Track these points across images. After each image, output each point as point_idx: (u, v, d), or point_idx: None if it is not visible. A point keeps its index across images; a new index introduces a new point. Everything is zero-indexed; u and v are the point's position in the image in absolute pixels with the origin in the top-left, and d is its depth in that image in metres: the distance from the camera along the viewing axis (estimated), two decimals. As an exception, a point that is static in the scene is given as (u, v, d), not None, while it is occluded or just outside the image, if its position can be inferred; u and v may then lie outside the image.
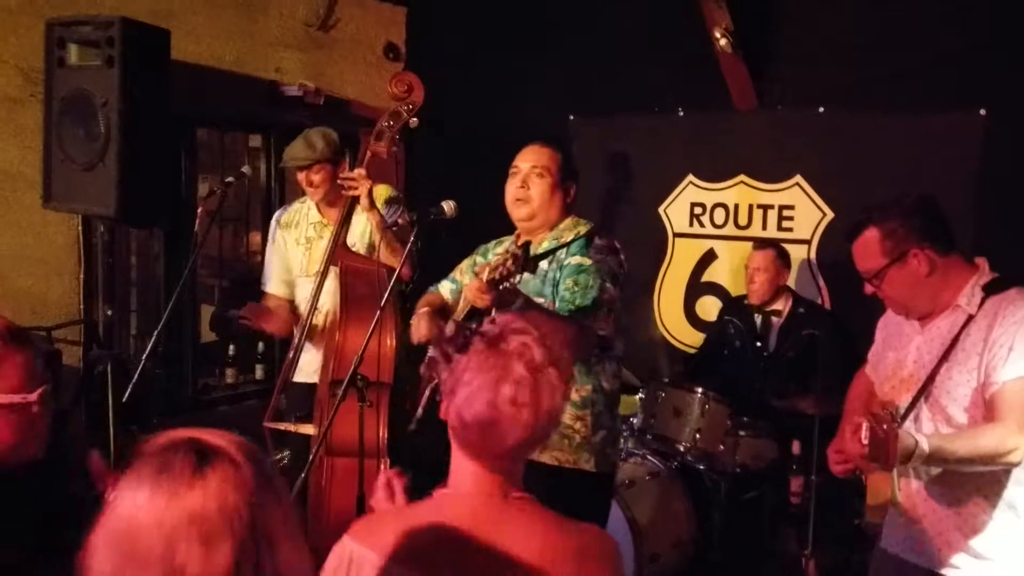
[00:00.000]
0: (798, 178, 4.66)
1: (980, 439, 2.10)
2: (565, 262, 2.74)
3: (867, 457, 1.99)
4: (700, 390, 4.08)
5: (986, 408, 2.15)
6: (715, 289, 4.99)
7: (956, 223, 4.14)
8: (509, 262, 2.29)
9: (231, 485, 1.08)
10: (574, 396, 2.70)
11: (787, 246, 4.49)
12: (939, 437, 2.14)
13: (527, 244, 2.41)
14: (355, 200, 3.49)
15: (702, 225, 5.02)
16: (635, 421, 4.27)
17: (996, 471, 2.17)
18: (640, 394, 4.30)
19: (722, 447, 4.04)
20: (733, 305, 4.67)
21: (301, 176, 3.72)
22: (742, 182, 4.85)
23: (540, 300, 2.70)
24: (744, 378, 4.34)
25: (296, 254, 3.81)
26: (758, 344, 4.39)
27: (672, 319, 5.16)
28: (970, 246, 3.91)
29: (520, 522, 1.55)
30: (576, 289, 2.67)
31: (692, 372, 4.70)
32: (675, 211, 5.11)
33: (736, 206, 4.88)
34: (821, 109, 4.57)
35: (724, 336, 4.58)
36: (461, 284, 3.02)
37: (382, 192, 3.72)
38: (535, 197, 2.84)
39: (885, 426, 1.95)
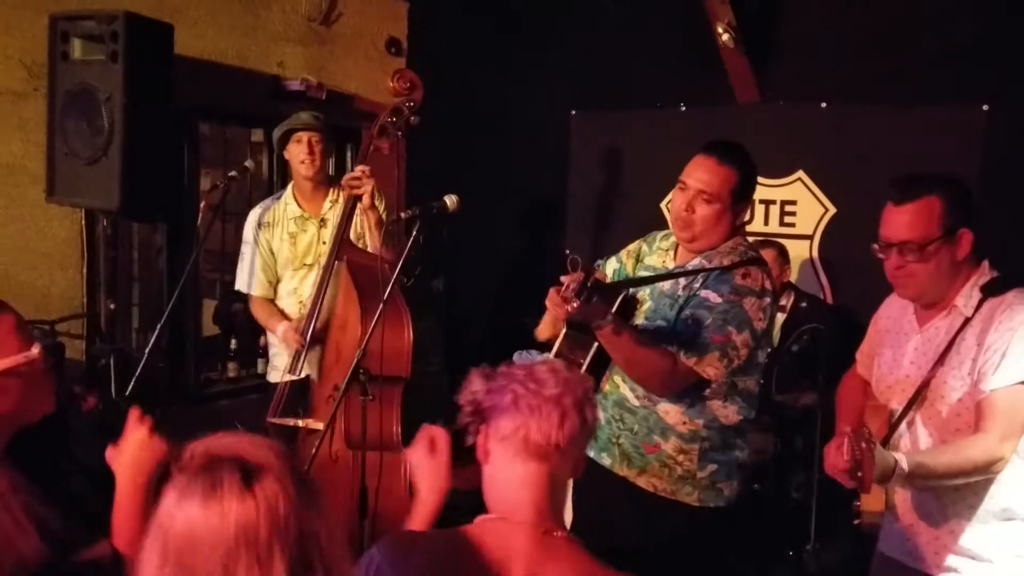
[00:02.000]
0: (800, 173, 4.66)
1: (962, 452, 2.05)
2: (698, 292, 2.55)
3: (848, 473, 1.94)
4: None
5: (974, 416, 2.10)
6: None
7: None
8: (574, 285, 2.17)
9: (278, 499, 1.13)
10: (682, 428, 2.58)
11: (789, 241, 4.49)
12: (920, 454, 2.10)
13: (590, 271, 2.26)
14: (356, 199, 3.50)
15: (704, 220, 5.02)
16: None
17: (1003, 481, 2.12)
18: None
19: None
20: (735, 300, 4.67)
21: (302, 144, 3.74)
22: (744, 177, 4.85)
23: (661, 323, 2.58)
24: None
25: (281, 250, 3.83)
26: (760, 339, 4.39)
27: (674, 314, 5.16)
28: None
29: (560, 560, 1.54)
30: (691, 325, 2.49)
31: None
32: (677, 206, 5.11)
33: (738, 201, 4.88)
34: (823, 104, 4.58)
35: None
36: (625, 268, 2.88)
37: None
38: (698, 222, 2.58)
39: (863, 445, 1.89)
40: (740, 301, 2.50)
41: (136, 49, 3.53)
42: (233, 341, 5.07)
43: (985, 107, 4.09)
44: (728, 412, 2.61)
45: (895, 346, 2.36)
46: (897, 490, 2.29)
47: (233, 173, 3.65)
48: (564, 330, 2.65)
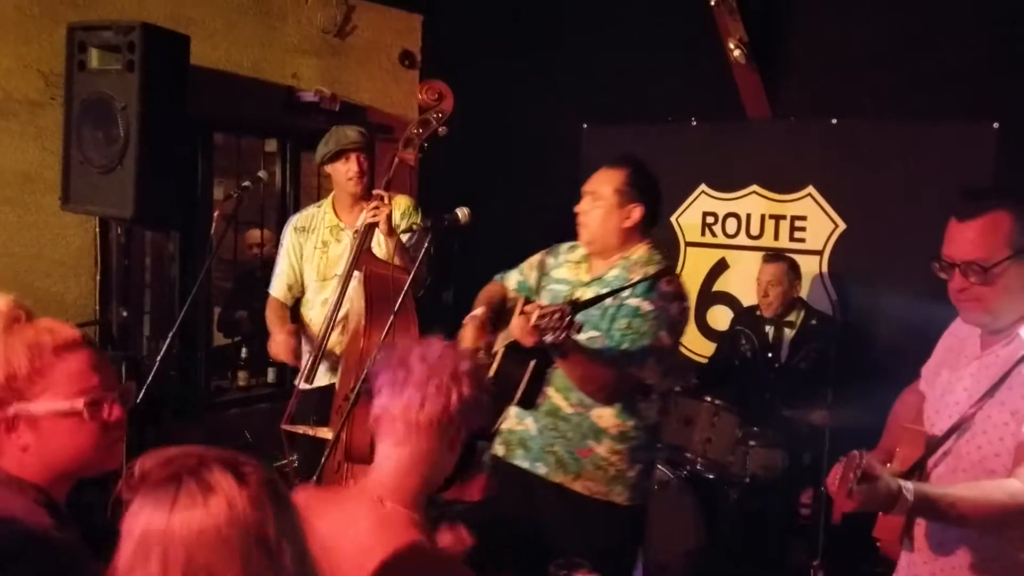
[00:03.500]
0: (811, 188, 4.67)
1: (985, 495, 1.85)
2: (627, 301, 2.67)
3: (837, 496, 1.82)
4: (710, 400, 4.08)
5: (1014, 456, 1.89)
6: (727, 299, 5.00)
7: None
8: (556, 317, 2.26)
9: (236, 502, 1.11)
10: (613, 430, 2.70)
11: (799, 257, 4.49)
12: (936, 488, 1.91)
13: (576, 303, 2.36)
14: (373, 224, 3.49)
15: (714, 235, 5.03)
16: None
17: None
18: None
19: (732, 457, 4.05)
20: (745, 316, 4.67)
21: (351, 163, 3.66)
22: (755, 192, 4.86)
23: (595, 334, 2.66)
24: (755, 388, 4.34)
25: (313, 257, 3.82)
26: (770, 355, 4.39)
27: (683, 328, 5.16)
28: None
29: (387, 530, 1.65)
30: (628, 333, 2.63)
31: (703, 382, 4.70)
32: (687, 220, 5.12)
33: (748, 216, 4.89)
34: (834, 120, 4.58)
35: (735, 346, 4.58)
36: (528, 281, 3.01)
37: (401, 202, 3.72)
38: (588, 222, 2.78)
39: (851, 474, 1.75)
40: (667, 307, 2.66)
41: (152, 59, 3.57)
42: (244, 350, 5.09)
43: (996, 124, 4.09)
44: (651, 412, 2.78)
45: (954, 368, 2.16)
46: (918, 521, 2.11)
47: (247, 183, 3.66)
48: (502, 351, 2.74)
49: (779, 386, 4.26)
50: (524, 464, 2.81)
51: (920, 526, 2.11)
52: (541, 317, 2.28)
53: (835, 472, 1.83)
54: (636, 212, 2.75)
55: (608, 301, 2.66)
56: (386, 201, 3.39)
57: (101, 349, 1.73)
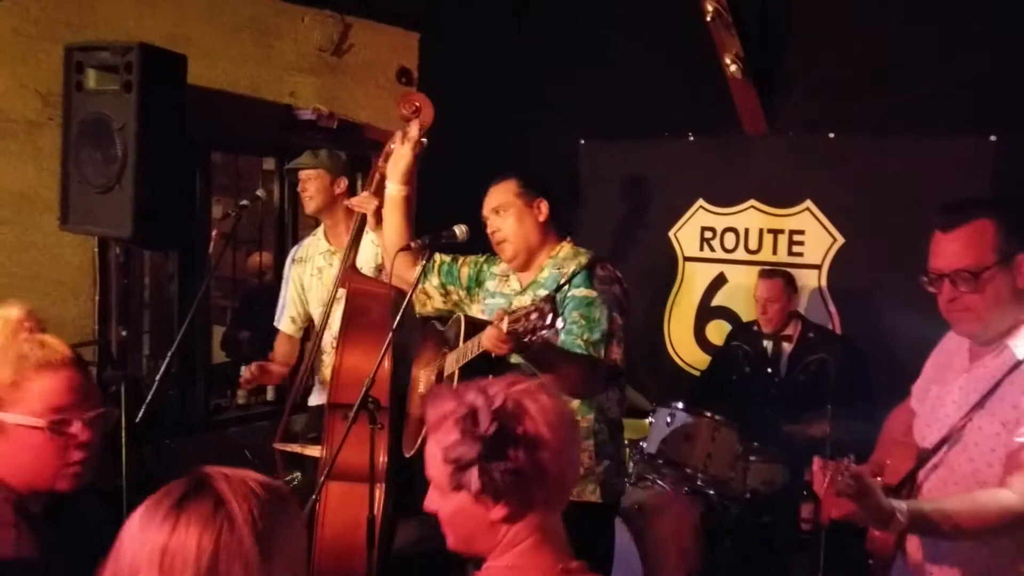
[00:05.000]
0: (808, 203, 4.67)
1: (978, 507, 1.86)
2: (569, 294, 2.70)
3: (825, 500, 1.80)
4: (710, 415, 4.07)
5: (1004, 467, 1.90)
6: (725, 313, 4.99)
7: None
8: (534, 316, 2.15)
9: (204, 526, 1.10)
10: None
11: (797, 271, 4.50)
12: (929, 503, 1.92)
13: (553, 297, 2.27)
14: (364, 222, 3.50)
15: (712, 249, 5.03)
16: (645, 445, 4.26)
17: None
18: (650, 418, 4.29)
19: (733, 472, 4.03)
20: (742, 331, 4.67)
21: (301, 184, 3.83)
22: (752, 207, 4.87)
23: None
24: (755, 403, 4.33)
25: (312, 286, 3.86)
26: (768, 370, 4.38)
27: (682, 343, 5.16)
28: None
29: None
30: (584, 323, 2.66)
31: (696, 396, 4.68)
32: (685, 235, 5.12)
33: (747, 230, 4.89)
34: (832, 134, 4.59)
35: (732, 362, 4.57)
36: (457, 268, 3.03)
37: None
38: (507, 233, 2.81)
39: (838, 478, 1.75)
40: (611, 289, 2.73)
41: (150, 79, 3.57)
42: (243, 368, 5.07)
43: (993, 138, 4.10)
44: (611, 403, 2.81)
45: (942, 382, 2.17)
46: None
47: (245, 202, 3.68)
48: (457, 373, 2.65)
49: (779, 401, 4.25)
50: None
51: (912, 539, 2.11)
52: (515, 321, 2.18)
53: (819, 475, 1.82)
54: (543, 205, 2.83)
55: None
56: (370, 197, 3.39)
57: (89, 373, 1.75)
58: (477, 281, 3.02)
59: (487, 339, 2.35)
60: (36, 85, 4.03)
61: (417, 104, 3.36)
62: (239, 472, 1.17)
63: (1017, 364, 1.94)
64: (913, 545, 2.14)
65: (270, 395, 5.15)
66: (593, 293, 2.69)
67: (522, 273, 2.89)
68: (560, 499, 1.49)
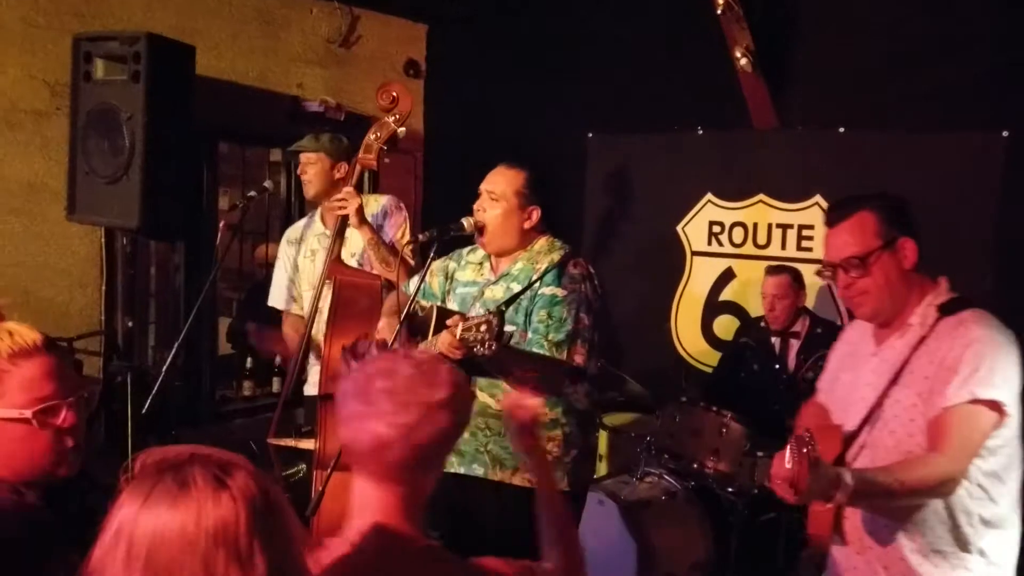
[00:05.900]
0: (817, 198, 4.64)
1: (913, 471, 1.99)
2: (539, 292, 2.73)
3: (788, 481, 1.83)
4: (717, 410, 4.06)
5: (927, 435, 2.04)
6: (733, 308, 4.97)
7: (976, 243, 4.11)
8: (483, 329, 2.30)
9: (254, 495, 1.11)
10: (544, 419, 2.69)
11: (806, 266, 4.47)
12: (869, 470, 2.03)
13: (502, 312, 2.38)
14: (346, 218, 3.50)
15: (720, 244, 5.01)
16: (651, 440, 4.25)
17: (955, 506, 2.03)
18: (657, 413, 4.28)
19: (740, 468, 4.01)
20: (750, 327, 4.65)
21: (301, 166, 3.79)
22: (761, 201, 4.84)
23: (510, 328, 2.68)
24: (763, 399, 4.31)
25: (304, 268, 3.83)
26: (777, 367, 4.36)
27: (689, 338, 5.14)
28: (990, 267, 3.91)
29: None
30: (550, 322, 2.69)
31: (707, 393, 4.67)
32: (693, 229, 5.10)
33: (755, 225, 4.87)
34: (841, 129, 4.56)
35: (740, 358, 4.56)
36: (430, 287, 3.02)
37: (371, 202, 3.74)
38: (487, 222, 2.82)
39: (803, 450, 1.81)
40: (580, 288, 2.74)
41: (158, 70, 3.57)
42: (249, 360, 5.08)
43: (1005, 133, 4.07)
44: (578, 395, 2.82)
45: (853, 368, 2.32)
46: (847, 515, 2.20)
47: (252, 193, 3.67)
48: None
49: (787, 397, 4.23)
50: (460, 470, 2.82)
51: (849, 519, 2.20)
52: (466, 330, 2.32)
53: (783, 457, 1.87)
54: (535, 214, 2.84)
55: (522, 296, 2.74)
56: (353, 195, 3.38)
57: (61, 352, 1.71)
58: (447, 276, 3.03)
59: (441, 343, 2.49)
60: (44, 75, 4.03)
61: (395, 94, 3.35)
62: (227, 455, 1.16)
63: (921, 339, 2.11)
64: (850, 525, 2.21)
65: (275, 387, 5.15)
66: (562, 292, 2.72)
67: (497, 259, 2.91)
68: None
